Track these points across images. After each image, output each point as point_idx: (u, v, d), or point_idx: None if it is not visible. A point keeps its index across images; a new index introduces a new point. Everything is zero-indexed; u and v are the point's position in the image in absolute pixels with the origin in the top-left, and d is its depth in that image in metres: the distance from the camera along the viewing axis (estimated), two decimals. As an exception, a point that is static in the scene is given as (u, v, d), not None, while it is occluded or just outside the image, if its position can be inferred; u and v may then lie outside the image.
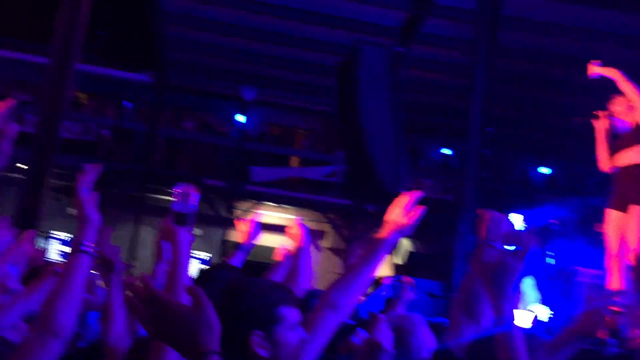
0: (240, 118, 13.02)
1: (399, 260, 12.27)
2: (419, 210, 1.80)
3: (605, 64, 4.73)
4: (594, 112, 4.69)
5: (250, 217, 2.90)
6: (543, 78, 10.36)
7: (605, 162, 4.65)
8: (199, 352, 1.15)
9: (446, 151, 13.46)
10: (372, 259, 1.72)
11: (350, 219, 12.49)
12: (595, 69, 4.68)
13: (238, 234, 2.86)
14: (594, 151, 4.75)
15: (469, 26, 8.13)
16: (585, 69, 4.82)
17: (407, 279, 3.63)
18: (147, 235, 11.59)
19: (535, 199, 9.66)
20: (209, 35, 11.01)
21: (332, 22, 10.01)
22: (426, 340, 1.92)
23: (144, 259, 10.82)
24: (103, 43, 13.24)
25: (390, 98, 7.98)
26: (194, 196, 1.70)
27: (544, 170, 12.92)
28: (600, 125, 4.64)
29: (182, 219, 1.66)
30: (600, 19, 9.08)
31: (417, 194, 1.82)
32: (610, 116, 4.61)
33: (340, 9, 9.75)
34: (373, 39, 9.05)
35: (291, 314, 1.54)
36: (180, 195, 1.68)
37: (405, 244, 12.90)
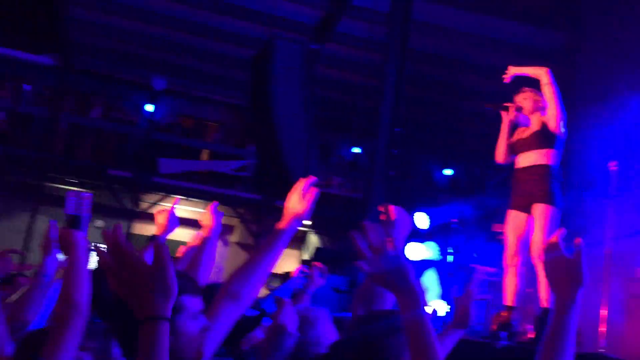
0: (150, 107, 12.65)
1: (306, 256, 12.37)
2: (314, 193, 1.83)
3: (505, 73, 4.82)
4: (504, 104, 4.71)
5: (167, 209, 2.84)
6: (450, 83, 10.78)
7: (502, 154, 4.72)
8: (149, 315, 1.12)
9: (356, 149, 13.70)
10: (273, 249, 1.72)
11: (260, 213, 12.45)
12: (514, 70, 4.70)
13: (156, 226, 2.79)
14: (492, 155, 4.88)
15: (382, 28, 8.33)
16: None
17: (317, 264, 3.63)
18: (44, 226, 11.01)
19: (439, 199, 10.05)
20: (119, 20, 10.60)
21: (248, 15, 9.93)
22: (327, 333, 1.95)
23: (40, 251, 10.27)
24: (1, 22, 12.41)
25: (303, 94, 8.04)
26: (86, 201, 1.69)
27: (447, 171, 13.43)
28: (507, 117, 4.69)
29: (75, 223, 1.63)
30: (504, 30, 9.56)
31: (310, 180, 1.85)
32: (518, 110, 4.67)
33: (256, 2, 9.69)
34: (288, 35, 9.08)
35: (192, 303, 1.52)
36: (72, 200, 1.66)
37: (314, 240, 13.03)
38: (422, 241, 7.77)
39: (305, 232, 12.89)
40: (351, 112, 12.20)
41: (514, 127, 4.82)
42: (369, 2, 8.94)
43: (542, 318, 4.16)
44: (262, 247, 1.75)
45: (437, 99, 11.59)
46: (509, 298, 4.42)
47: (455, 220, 7.34)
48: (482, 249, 6.91)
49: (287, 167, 8.01)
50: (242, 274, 1.67)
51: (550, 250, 1.37)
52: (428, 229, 7.89)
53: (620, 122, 7.09)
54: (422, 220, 8.05)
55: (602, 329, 4.99)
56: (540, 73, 4.54)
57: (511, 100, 4.76)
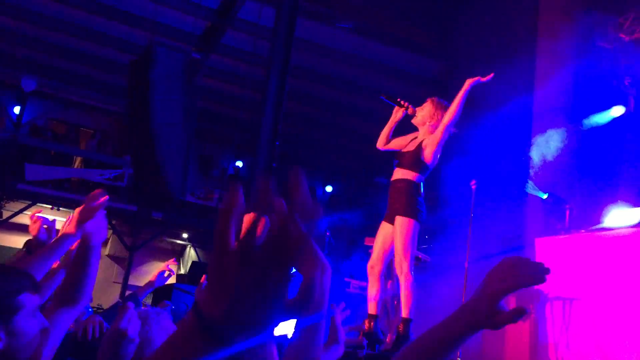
0: (17, 109, 11.84)
1: (184, 270, 12.05)
2: (100, 203, 1.85)
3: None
4: (401, 101, 4.85)
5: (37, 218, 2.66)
6: (331, 101, 11.05)
7: (382, 141, 4.94)
8: None
9: (238, 163, 13.64)
10: (81, 254, 1.75)
11: (135, 225, 11.99)
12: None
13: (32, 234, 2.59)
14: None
15: (266, 43, 8.39)
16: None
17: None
18: None
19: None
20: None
21: (129, 19, 9.63)
22: (163, 334, 1.91)
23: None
24: None
25: (183, 103, 7.89)
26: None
27: (328, 188, 13.69)
28: (396, 115, 4.89)
29: None
30: (385, 54, 9.98)
31: (97, 192, 1.97)
32: (411, 115, 4.85)
33: (139, 7, 9.42)
34: (170, 43, 8.89)
35: (31, 301, 1.47)
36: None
37: (193, 254, 12.74)
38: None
39: (184, 246, 12.58)
40: (233, 125, 12.14)
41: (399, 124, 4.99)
42: (254, 16, 8.98)
43: (402, 327, 4.33)
44: (75, 254, 1.77)
45: (320, 117, 11.83)
46: (371, 307, 4.57)
47: (328, 233, 7.51)
48: (356, 263, 7.10)
49: (164, 178, 7.80)
50: (77, 279, 1.63)
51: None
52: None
53: (482, 144, 7.62)
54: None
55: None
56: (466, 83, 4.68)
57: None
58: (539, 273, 1.16)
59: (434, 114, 4.76)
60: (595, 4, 8.49)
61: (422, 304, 7.02)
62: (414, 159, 4.71)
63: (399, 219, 4.56)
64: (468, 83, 4.66)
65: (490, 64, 8.84)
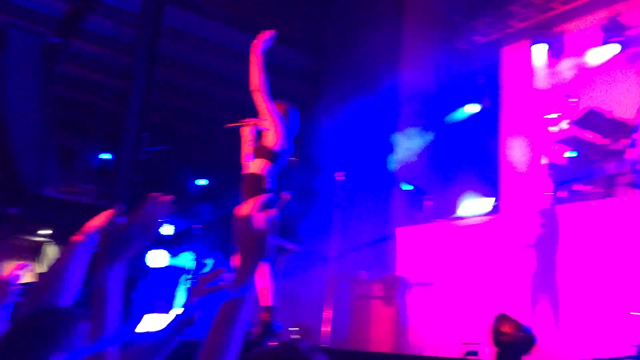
0: None
1: (42, 268, 11.31)
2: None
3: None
4: (242, 121, 5.00)
5: None
6: (203, 93, 10.86)
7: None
8: None
9: (106, 155, 12.99)
10: None
11: (-12, 222, 11.05)
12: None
13: None
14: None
15: (132, 29, 8.06)
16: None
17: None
18: None
19: (190, 207, 10.02)
20: None
21: (-22, -2, 8.82)
22: None
23: None
24: None
25: (40, 91, 7.38)
26: None
27: (202, 181, 13.45)
28: (246, 133, 4.99)
29: None
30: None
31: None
32: (258, 127, 4.96)
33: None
34: (26, 25, 8.28)
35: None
36: None
37: (51, 252, 11.97)
38: (174, 249, 7.65)
39: (41, 243, 11.79)
40: (99, 115, 11.56)
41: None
42: (119, 1, 8.60)
43: (266, 315, 4.39)
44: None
45: (190, 108, 11.58)
46: (264, 298, 4.58)
47: (199, 226, 7.40)
48: (224, 256, 7.06)
49: (19, 171, 7.26)
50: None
51: (243, 220, 1.44)
52: (173, 235, 7.86)
53: (350, 137, 7.88)
54: (166, 226, 7.98)
55: (327, 328, 5.45)
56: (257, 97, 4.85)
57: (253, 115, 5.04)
58: None
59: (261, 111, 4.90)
60: (454, 7, 9.05)
61: (291, 293, 7.14)
62: (263, 148, 4.86)
63: None
64: (255, 47, 4.86)
65: (358, 60, 9.16)
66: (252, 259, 1.40)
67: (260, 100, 4.84)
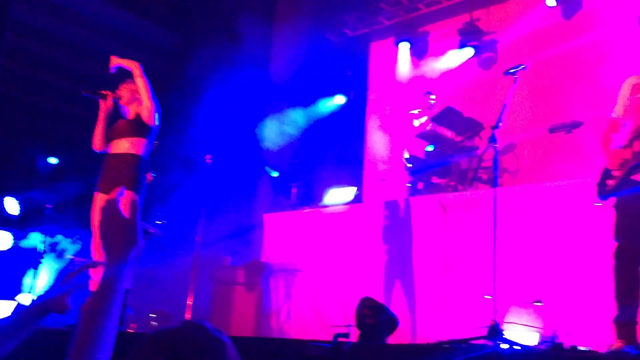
0: None
1: None
2: None
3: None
4: (101, 92, 4.73)
5: None
6: (57, 64, 10.10)
7: (98, 142, 4.75)
8: None
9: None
10: None
11: None
12: (116, 60, 4.72)
13: None
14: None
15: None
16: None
17: None
18: None
19: (39, 186, 9.29)
20: None
21: None
22: None
23: None
24: None
25: None
26: None
27: (53, 159, 12.51)
28: (104, 105, 4.74)
29: None
30: (123, 21, 9.44)
31: None
32: (116, 99, 4.75)
33: None
34: None
35: None
36: None
37: None
38: (18, 229, 7.00)
39: None
40: None
41: (115, 116, 4.84)
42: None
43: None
44: None
45: (45, 80, 10.71)
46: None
47: (50, 206, 6.88)
48: (82, 237, 6.63)
49: None
50: None
51: (109, 207, 1.34)
52: (19, 214, 7.24)
53: (217, 119, 7.74)
54: (11, 205, 7.32)
55: (187, 314, 5.32)
56: (133, 66, 4.67)
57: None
58: None
59: (136, 90, 4.71)
60: (327, 0, 9.19)
61: (151, 278, 6.88)
62: (135, 124, 4.67)
63: (125, 193, 4.42)
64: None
65: (226, 44, 9.00)
66: (121, 245, 1.31)
67: (139, 78, 4.61)
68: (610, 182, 3.71)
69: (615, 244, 3.59)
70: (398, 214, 6.49)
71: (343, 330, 3.42)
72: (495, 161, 3.78)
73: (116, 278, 1.27)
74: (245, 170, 8.16)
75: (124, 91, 4.75)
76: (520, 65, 3.85)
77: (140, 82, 4.66)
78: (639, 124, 3.73)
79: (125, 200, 4.39)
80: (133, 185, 4.46)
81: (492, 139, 3.57)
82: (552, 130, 6.58)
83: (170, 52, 9.93)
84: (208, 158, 5.62)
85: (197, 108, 8.16)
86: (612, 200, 3.71)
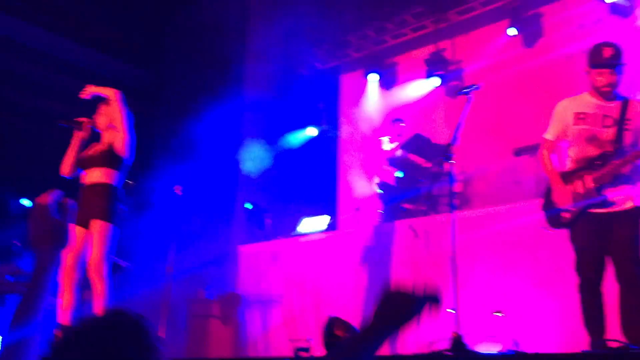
0: None
1: None
2: None
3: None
4: (77, 119, 4.74)
5: None
6: (23, 104, 10.07)
7: (67, 167, 4.74)
8: None
9: None
10: None
11: None
12: (92, 89, 4.72)
13: None
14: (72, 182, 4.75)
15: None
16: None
17: None
18: None
19: (11, 226, 9.18)
20: None
21: None
22: None
23: None
24: None
25: None
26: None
27: (25, 201, 12.38)
28: (80, 134, 4.74)
29: None
30: (92, 61, 9.51)
31: None
32: (92, 125, 4.76)
33: None
34: None
35: None
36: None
37: None
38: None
39: None
40: None
41: (87, 142, 4.85)
42: None
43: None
44: None
45: (9, 122, 10.67)
46: (65, 316, 4.28)
47: (17, 243, 6.81)
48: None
49: None
50: None
51: (39, 209, 1.37)
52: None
53: (190, 153, 7.78)
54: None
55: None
56: (110, 93, 4.70)
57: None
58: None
59: (112, 115, 4.72)
60: (297, 34, 9.36)
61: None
62: (108, 155, 4.65)
63: (96, 224, 4.42)
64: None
65: (199, 76, 9.10)
66: (48, 248, 1.33)
67: (116, 106, 4.62)
68: (566, 215, 3.64)
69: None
70: (371, 240, 6.54)
71: (304, 345, 3.41)
72: (450, 177, 3.86)
73: (45, 277, 1.29)
74: (219, 203, 8.17)
75: (100, 117, 4.75)
76: (473, 85, 3.96)
77: (117, 109, 4.64)
78: (587, 156, 3.66)
79: (99, 232, 4.37)
80: (106, 215, 4.43)
81: (448, 155, 3.66)
82: (517, 153, 6.74)
83: (139, 89, 10.01)
84: (178, 189, 5.62)
85: (169, 141, 8.20)
86: (566, 232, 3.66)
